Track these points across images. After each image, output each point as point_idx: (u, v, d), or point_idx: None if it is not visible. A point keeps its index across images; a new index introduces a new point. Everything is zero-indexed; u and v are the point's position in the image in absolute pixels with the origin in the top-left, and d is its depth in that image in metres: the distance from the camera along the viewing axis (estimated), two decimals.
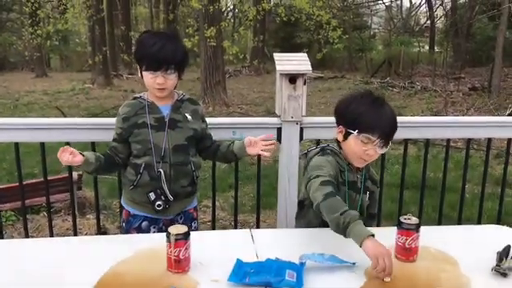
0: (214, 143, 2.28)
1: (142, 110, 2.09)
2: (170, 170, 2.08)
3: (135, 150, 2.11)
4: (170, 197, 2.09)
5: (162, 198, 2.08)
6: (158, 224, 2.16)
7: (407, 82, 16.55)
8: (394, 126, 1.84)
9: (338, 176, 1.88)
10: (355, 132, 1.80)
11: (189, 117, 2.13)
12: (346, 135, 1.86)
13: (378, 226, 2.37)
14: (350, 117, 1.85)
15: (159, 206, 2.08)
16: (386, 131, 1.80)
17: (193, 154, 2.17)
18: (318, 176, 1.74)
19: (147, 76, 2.02)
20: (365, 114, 1.81)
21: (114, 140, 2.16)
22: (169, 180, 2.08)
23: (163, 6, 24.16)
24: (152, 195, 2.08)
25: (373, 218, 2.11)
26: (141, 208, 2.15)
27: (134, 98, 2.16)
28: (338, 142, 1.94)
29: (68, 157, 1.89)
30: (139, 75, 2.10)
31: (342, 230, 1.54)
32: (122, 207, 2.27)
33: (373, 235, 1.49)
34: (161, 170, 2.07)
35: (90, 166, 2.03)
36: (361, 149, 1.81)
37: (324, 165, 1.83)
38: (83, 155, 1.97)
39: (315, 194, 1.68)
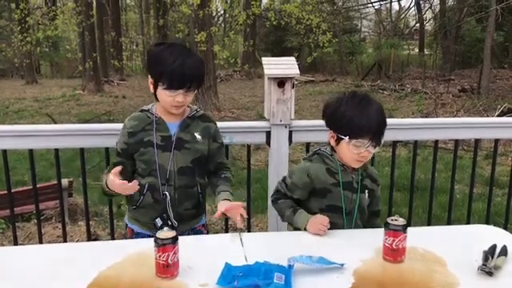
0: (217, 173, 2.14)
1: (149, 125, 2.00)
2: (174, 194, 2.00)
3: (139, 168, 2.03)
4: (175, 222, 2.01)
5: (169, 222, 1.99)
6: None
7: (397, 85, 16.69)
8: (383, 124, 1.84)
9: (327, 178, 1.91)
10: (346, 138, 1.82)
11: (198, 136, 2.02)
12: (338, 140, 1.87)
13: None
14: (338, 123, 1.86)
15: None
16: (377, 132, 1.81)
17: (200, 175, 2.07)
18: (281, 182, 2.06)
19: (165, 94, 1.90)
20: (353, 119, 1.80)
21: (119, 155, 2.05)
22: (173, 203, 2.01)
23: (153, 12, 24.14)
24: (158, 221, 2.00)
25: (376, 215, 2.10)
26: (144, 227, 2.07)
27: (142, 111, 2.05)
28: (330, 144, 1.95)
29: (124, 185, 1.83)
30: (151, 90, 1.97)
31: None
32: (126, 225, 2.18)
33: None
34: (166, 192, 1.99)
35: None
36: (354, 153, 1.83)
37: (296, 174, 1.98)
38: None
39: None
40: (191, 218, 2.10)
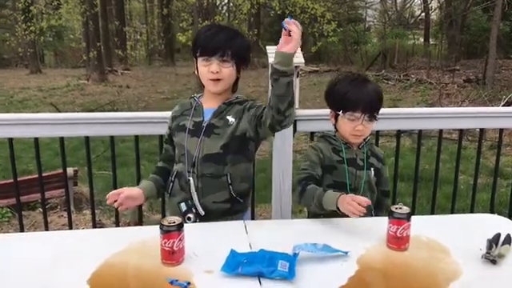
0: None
1: (188, 111, 1.97)
2: (197, 182, 1.89)
3: (175, 154, 1.99)
4: (201, 211, 1.88)
5: (193, 210, 1.88)
6: None
7: (402, 75, 16.61)
8: (376, 100, 1.93)
9: (333, 156, 1.99)
10: (340, 113, 1.93)
11: (231, 119, 1.89)
12: (336, 117, 1.98)
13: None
14: (334, 100, 1.98)
15: (189, 218, 1.86)
16: (369, 106, 1.90)
17: (234, 163, 1.90)
18: (301, 170, 1.96)
19: (201, 64, 1.86)
20: (346, 94, 1.92)
21: (166, 141, 2.07)
22: (198, 192, 1.89)
23: (157, 1, 24.08)
24: (183, 206, 1.89)
25: (386, 195, 2.14)
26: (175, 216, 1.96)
27: (191, 98, 2.04)
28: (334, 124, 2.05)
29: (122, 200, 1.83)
30: (195, 71, 1.93)
31: (322, 209, 1.79)
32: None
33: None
34: (190, 178, 1.89)
35: (152, 192, 1.97)
36: (349, 126, 1.93)
37: (309, 154, 1.99)
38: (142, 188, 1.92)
39: (295, 191, 1.95)
40: (223, 213, 1.91)
